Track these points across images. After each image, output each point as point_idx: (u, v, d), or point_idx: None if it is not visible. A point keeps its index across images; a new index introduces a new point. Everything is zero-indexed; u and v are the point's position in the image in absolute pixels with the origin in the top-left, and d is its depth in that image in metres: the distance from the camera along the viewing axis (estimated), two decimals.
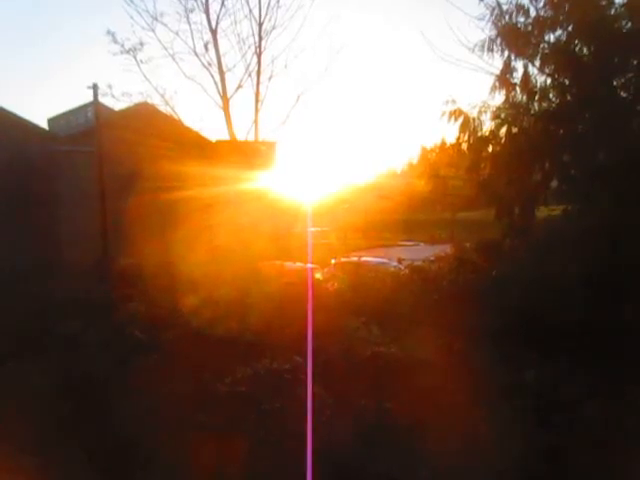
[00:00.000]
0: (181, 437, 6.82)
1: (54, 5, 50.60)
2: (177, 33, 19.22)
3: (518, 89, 11.63)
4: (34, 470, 6.37)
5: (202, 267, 13.33)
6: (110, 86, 19.71)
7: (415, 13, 46.76)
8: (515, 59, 11.60)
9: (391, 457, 6.48)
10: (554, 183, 11.81)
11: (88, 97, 20.93)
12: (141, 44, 19.09)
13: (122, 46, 19.09)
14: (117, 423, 7.29)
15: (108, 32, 19.13)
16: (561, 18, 11.04)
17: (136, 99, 19.82)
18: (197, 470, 6.28)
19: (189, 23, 19.35)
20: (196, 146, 19.51)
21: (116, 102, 20.39)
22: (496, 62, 11.74)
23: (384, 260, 19.78)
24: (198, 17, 19.62)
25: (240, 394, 7.80)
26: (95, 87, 20.08)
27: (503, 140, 11.88)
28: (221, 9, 19.46)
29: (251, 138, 19.69)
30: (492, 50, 11.59)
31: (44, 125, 23.90)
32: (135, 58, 19.20)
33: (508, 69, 11.63)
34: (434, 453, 6.28)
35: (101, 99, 20.36)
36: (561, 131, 11.21)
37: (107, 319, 10.92)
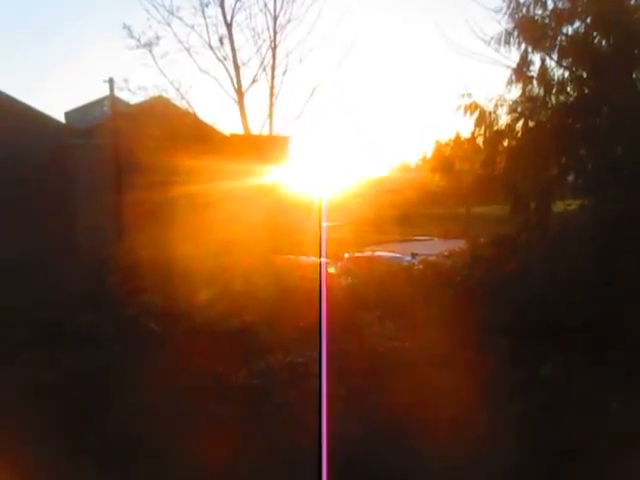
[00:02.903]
0: (195, 429, 6.88)
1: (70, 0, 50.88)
2: (192, 27, 19.16)
3: (535, 82, 11.48)
4: (49, 461, 6.46)
5: (216, 260, 13.37)
6: (126, 80, 19.76)
7: (430, 5, 46.32)
8: (532, 52, 11.46)
9: (404, 452, 6.48)
10: (571, 177, 11.69)
11: (105, 91, 21.12)
12: (157, 38, 19.07)
13: (138, 40, 19.08)
14: (132, 414, 7.36)
15: (124, 26, 19.12)
16: (579, 10, 10.88)
17: (152, 93, 19.84)
18: (211, 461, 6.34)
19: (204, 17, 19.29)
20: (210, 140, 19.51)
21: (132, 96, 20.45)
22: (513, 55, 11.61)
23: (397, 255, 19.73)
24: (213, 11, 19.56)
25: (254, 387, 7.86)
26: (111, 81, 20.21)
27: (519, 134, 11.76)
28: (236, 3, 19.37)
29: (265, 132, 19.69)
30: (509, 43, 11.46)
31: (61, 118, 24.08)
32: (151, 52, 19.19)
33: (525, 62, 11.49)
34: (447, 448, 6.28)
35: (117, 93, 20.46)
36: (578, 125, 11.07)
37: (122, 310, 11.00)
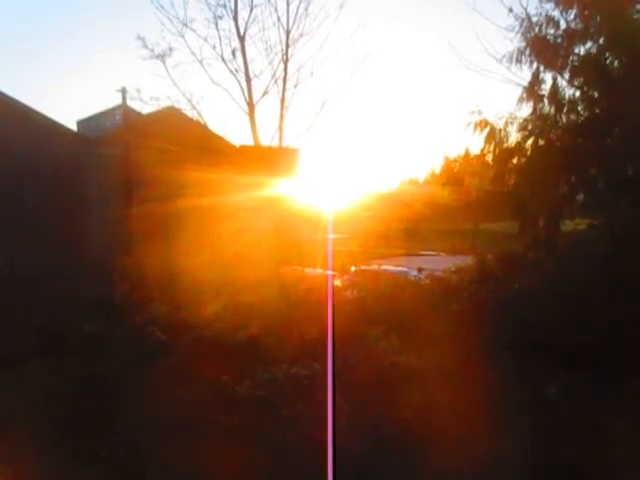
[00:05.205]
0: (199, 439, 6.86)
1: (86, 10, 51.70)
2: (206, 39, 19.28)
3: (546, 101, 11.56)
4: (52, 469, 6.45)
5: (223, 272, 13.41)
6: (138, 90, 19.90)
7: (442, 23, 46.72)
8: (544, 71, 11.55)
9: (407, 467, 6.44)
10: (580, 197, 11.68)
11: (117, 100, 21.35)
12: (170, 49, 19.22)
13: (152, 51, 19.23)
14: (135, 423, 7.35)
15: (138, 37, 19.29)
16: (592, 30, 10.95)
17: (164, 103, 20.00)
18: (214, 474, 6.31)
19: (218, 29, 19.43)
20: (220, 150, 19.63)
21: (144, 106, 20.62)
22: (524, 73, 11.70)
23: (404, 269, 19.67)
24: (227, 24, 19.76)
25: (259, 398, 7.83)
26: (124, 91, 20.42)
27: (529, 152, 11.81)
28: (249, 17, 19.53)
29: (275, 144, 19.76)
30: (520, 61, 11.55)
31: (74, 127, 24.30)
32: (164, 63, 19.34)
33: (536, 81, 11.57)
34: (451, 466, 6.22)
35: (129, 102, 20.65)
36: (589, 144, 11.09)
37: (129, 319, 11.04)
